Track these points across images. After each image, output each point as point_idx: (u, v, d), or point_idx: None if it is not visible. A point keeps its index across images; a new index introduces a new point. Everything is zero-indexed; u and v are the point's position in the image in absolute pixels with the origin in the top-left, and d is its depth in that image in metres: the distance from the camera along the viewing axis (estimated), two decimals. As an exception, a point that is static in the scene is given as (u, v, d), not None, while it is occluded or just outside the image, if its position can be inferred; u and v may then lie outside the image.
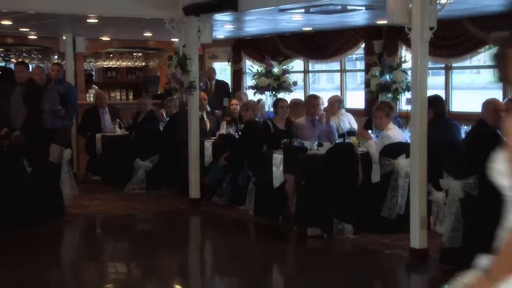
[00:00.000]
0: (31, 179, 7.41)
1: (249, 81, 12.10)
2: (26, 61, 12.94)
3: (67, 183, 8.09)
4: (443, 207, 5.93)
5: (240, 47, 13.41)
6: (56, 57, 13.80)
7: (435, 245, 5.96)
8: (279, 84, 10.12)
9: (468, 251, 5.67)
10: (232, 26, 11.36)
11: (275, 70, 10.14)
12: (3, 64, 13.88)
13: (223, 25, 10.91)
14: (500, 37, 1.93)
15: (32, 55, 13.95)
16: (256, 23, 10.71)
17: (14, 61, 13.92)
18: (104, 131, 10.67)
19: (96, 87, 13.59)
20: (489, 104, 6.14)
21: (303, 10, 8.66)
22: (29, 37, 13.19)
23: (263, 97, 10.47)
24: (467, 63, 10.33)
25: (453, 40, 9.50)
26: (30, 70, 9.47)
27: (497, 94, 8.36)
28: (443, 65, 10.17)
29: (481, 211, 5.67)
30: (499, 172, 1.87)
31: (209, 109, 10.70)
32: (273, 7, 8.07)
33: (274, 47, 12.38)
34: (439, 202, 6.01)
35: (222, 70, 14.26)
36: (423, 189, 5.99)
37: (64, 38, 11.87)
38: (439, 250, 5.87)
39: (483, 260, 1.91)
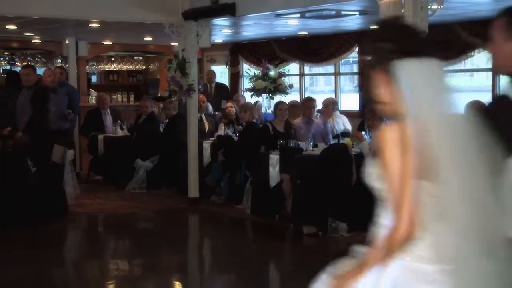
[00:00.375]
0: (35, 179, 7.41)
1: (246, 83, 12.10)
2: (31, 64, 12.90)
3: (70, 182, 8.09)
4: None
5: (237, 51, 13.41)
6: (59, 60, 13.78)
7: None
8: (276, 86, 10.11)
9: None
10: (230, 31, 11.36)
11: (272, 73, 10.13)
12: (8, 67, 13.86)
13: (221, 30, 10.91)
14: (365, 59, 2.14)
15: (36, 58, 13.93)
16: (253, 28, 10.71)
17: (19, 64, 13.91)
18: (106, 132, 10.65)
19: (93, 91, 13.56)
20: (470, 107, 6.07)
21: (298, 15, 8.66)
22: (33, 41, 13.18)
23: (260, 99, 10.48)
24: (462, 66, 10.36)
25: (444, 44, 9.51)
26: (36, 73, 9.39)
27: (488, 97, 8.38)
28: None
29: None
30: (372, 176, 2.09)
31: (212, 110, 10.67)
32: (270, 12, 8.07)
33: (271, 51, 12.38)
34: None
35: (221, 73, 14.26)
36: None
37: (67, 42, 11.86)
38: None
39: (359, 249, 2.16)
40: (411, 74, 1.96)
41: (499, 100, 2.51)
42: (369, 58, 2.10)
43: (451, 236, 1.90)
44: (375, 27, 2.15)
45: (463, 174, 1.89)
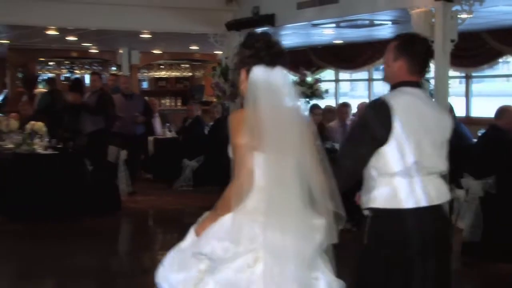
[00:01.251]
0: (92, 177, 7.54)
1: (285, 89, 12.07)
2: (88, 72, 13.19)
3: (123, 180, 8.21)
4: (463, 204, 5.83)
5: (276, 59, 13.40)
6: (114, 68, 14.02)
7: (457, 240, 5.86)
8: (312, 92, 10.07)
9: (487, 245, 5.57)
10: (270, 40, 11.36)
11: (308, 79, 10.10)
12: (68, 74, 14.19)
13: (261, 39, 10.92)
14: (236, 59, 2.61)
15: (93, 66, 14.22)
16: (291, 37, 10.70)
17: (78, 72, 14.23)
18: (156, 134, 10.79)
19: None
20: (505, 111, 5.94)
21: (334, 25, 8.62)
22: (90, 51, 13.47)
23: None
24: (498, 71, 10.16)
25: (472, 51, 9.34)
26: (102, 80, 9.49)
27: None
28: (464, 74, 10.03)
29: (500, 208, 5.55)
30: (229, 149, 2.51)
31: None
32: (307, 22, 8.06)
33: (308, 58, 12.34)
34: (460, 199, 5.91)
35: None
36: (445, 188, 5.89)
37: (121, 51, 12.07)
38: (460, 244, 5.77)
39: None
40: (258, 77, 2.44)
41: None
42: (237, 58, 2.56)
43: (271, 192, 2.39)
44: (246, 36, 2.59)
45: (283, 149, 2.39)
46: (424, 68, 2.83)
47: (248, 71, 2.48)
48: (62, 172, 7.32)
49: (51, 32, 9.80)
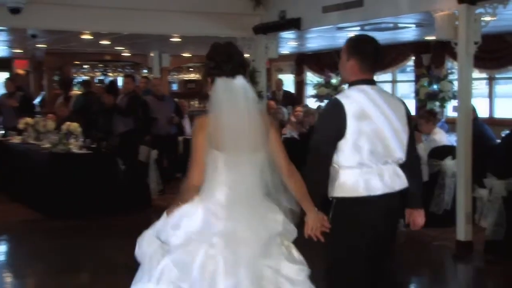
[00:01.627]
0: (124, 176, 7.64)
1: (310, 90, 12.08)
2: (121, 74, 13.35)
3: (154, 179, 8.29)
4: (486, 204, 5.76)
5: (302, 61, 13.42)
6: (145, 71, 14.18)
7: (480, 238, 5.79)
8: (337, 93, 10.02)
9: (510, 243, 5.49)
10: (296, 43, 11.39)
11: (334, 81, 10.09)
12: (102, 77, 14.40)
13: (287, 42, 10.95)
14: (202, 68, 2.88)
15: (125, 69, 14.40)
16: (317, 40, 10.70)
17: (111, 75, 14.43)
18: (185, 134, 10.87)
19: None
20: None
21: (358, 28, 8.58)
22: (123, 54, 13.64)
23: (322, 104, 10.42)
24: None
25: (496, 53, 9.22)
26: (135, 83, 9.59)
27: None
28: (487, 76, 9.90)
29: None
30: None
31: (286, 115, 10.64)
32: (332, 26, 8.04)
33: (332, 61, 12.29)
34: (483, 199, 5.84)
35: (292, 82, 14.28)
36: (468, 187, 5.84)
37: (152, 54, 12.19)
38: (483, 243, 5.70)
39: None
40: (218, 86, 2.68)
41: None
42: (204, 67, 2.79)
43: (229, 185, 2.65)
44: (211, 48, 2.77)
45: (241, 150, 2.63)
46: (374, 66, 2.97)
47: (212, 81, 2.71)
48: (95, 171, 7.44)
49: (85, 37, 9.96)
